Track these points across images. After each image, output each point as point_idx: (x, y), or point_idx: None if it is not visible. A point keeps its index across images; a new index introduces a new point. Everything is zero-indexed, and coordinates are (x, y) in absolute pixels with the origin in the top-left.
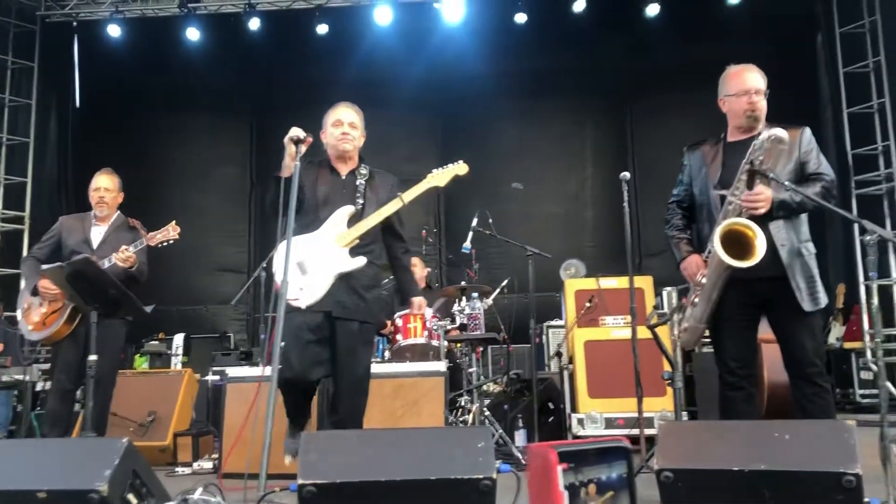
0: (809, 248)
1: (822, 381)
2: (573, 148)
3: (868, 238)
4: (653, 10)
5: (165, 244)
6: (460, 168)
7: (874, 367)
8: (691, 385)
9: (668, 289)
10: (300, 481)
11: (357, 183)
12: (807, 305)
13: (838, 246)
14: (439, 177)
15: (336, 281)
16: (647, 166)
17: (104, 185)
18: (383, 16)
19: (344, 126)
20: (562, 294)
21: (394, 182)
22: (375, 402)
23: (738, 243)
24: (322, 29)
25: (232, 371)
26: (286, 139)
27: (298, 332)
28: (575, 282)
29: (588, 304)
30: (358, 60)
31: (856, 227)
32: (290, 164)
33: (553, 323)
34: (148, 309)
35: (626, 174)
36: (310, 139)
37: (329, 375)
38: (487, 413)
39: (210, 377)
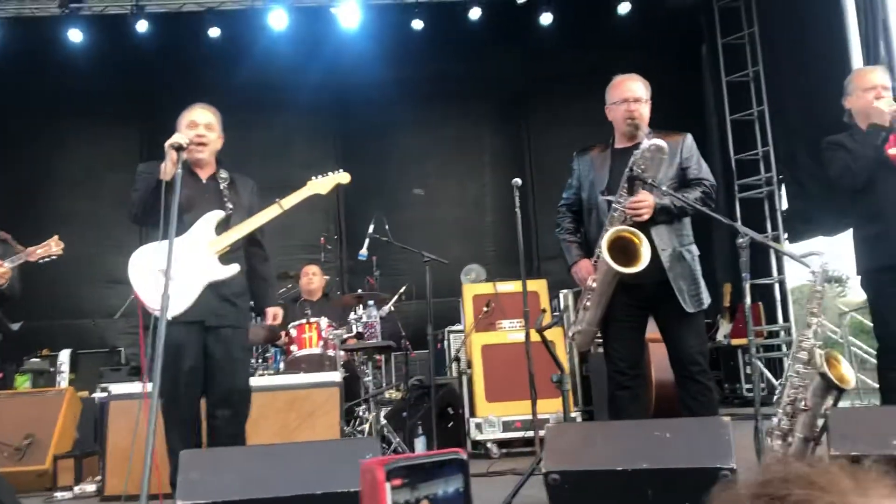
0: (692, 251)
1: (704, 379)
2: (472, 154)
3: (741, 240)
4: (546, 18)
5: (47, 260)
6: (342, 177)
7: (758, 364)
8: (588, 385)
9: (565, 291)
10: (178, 502)
11: (220, 188)
12: (689, 307)
13: (724, 247)
14: (320, 185)
15: (204, 289)
16: (544, 172)
17: None
18: (278, 20)
19: (199, 128)
20: (461, 299)
21: (253, 186)
22: (268, 415)
23: (625, 250)
24: (214, 32)
25: (115, 388)
26: (167, 145)
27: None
28: (473, 286)
29: (485, 309)
30: (252, 65)
31: None
32: (172, 169)
33: (454, 328)
34: (15, 327)
35: (518, 180)
36: (193, 147)
37: (203, 393)
38: (384, 422)
39: (97, 395)
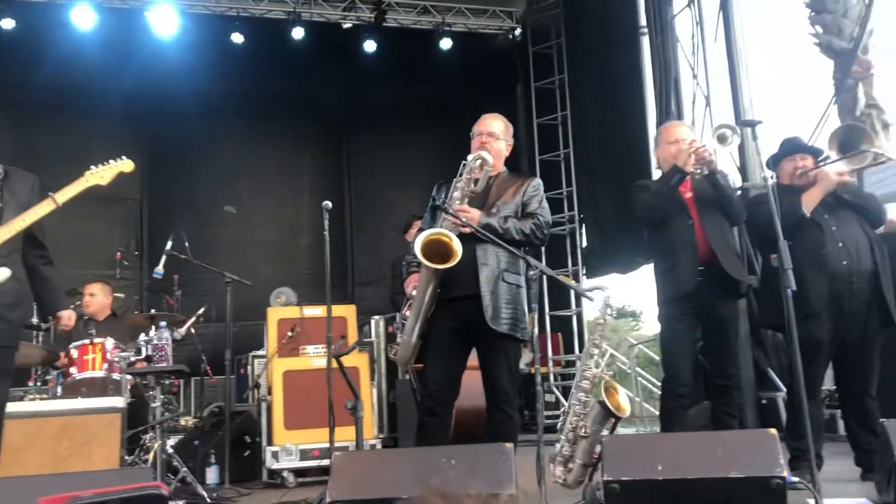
0: (517, 281)
1: (508, 408)
2: (291, 174)
3: (531, 273)
4: (370, 46)
5: None
6: (125, 165)
7: (555, 392)
8: (394, 412)
9: (377, 317)
10: None
11: None
12: (494, 325)
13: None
14: (99, 174)
15: None
16: (362, 198)
17: None
18: (83, 18)
19: None
20: (265, 323)
21: (34, 181)
22: (35, 444)
23: (442, 254)
24: (8, 24)
25: None
26: None
27: None
28: (278, 310)
29: (290, 334)
30: (52, 63)
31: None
32: None
33: (259, 353)
34: None
35: (328, 203)
36: None
37: None
38: (171, 451)
39: None
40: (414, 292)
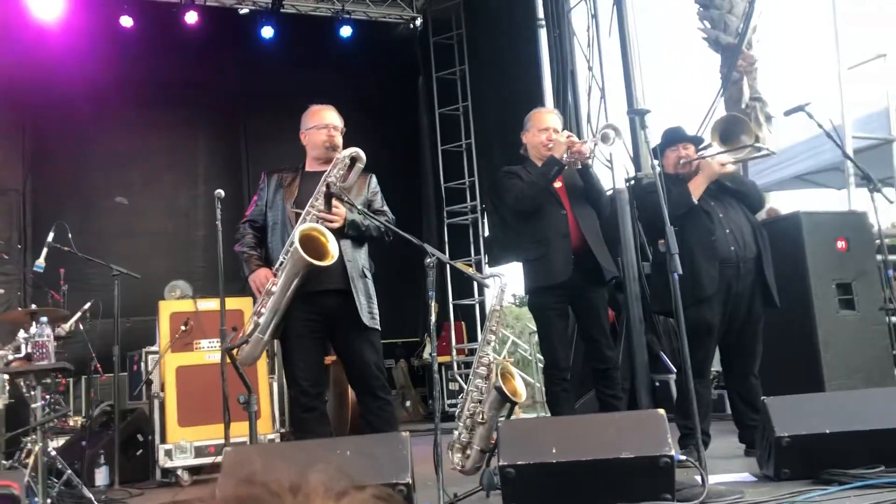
0: (369, 275)
1: (384, 394)
2: (184, 163)
3: (428, 260)
4: (267, 32)
5: None
6: None
7: (458, 380)
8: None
9: None
10: None
11: None
12: (366, 320)
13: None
14: None
15: None
16: None
17: None
18: None
19: None
20: (157, 317)
21: None
22: None
23: (313, 250)
24: None
25: None
26: None
27: None
28: (170, 304)
29: (183, 328)
30: None
31: (447, 249)
32: None
33: (152, 349)
34: None
35: (221, 192)
36: None
37: None
38: (53, 453)
39: None
40: (273, 288)
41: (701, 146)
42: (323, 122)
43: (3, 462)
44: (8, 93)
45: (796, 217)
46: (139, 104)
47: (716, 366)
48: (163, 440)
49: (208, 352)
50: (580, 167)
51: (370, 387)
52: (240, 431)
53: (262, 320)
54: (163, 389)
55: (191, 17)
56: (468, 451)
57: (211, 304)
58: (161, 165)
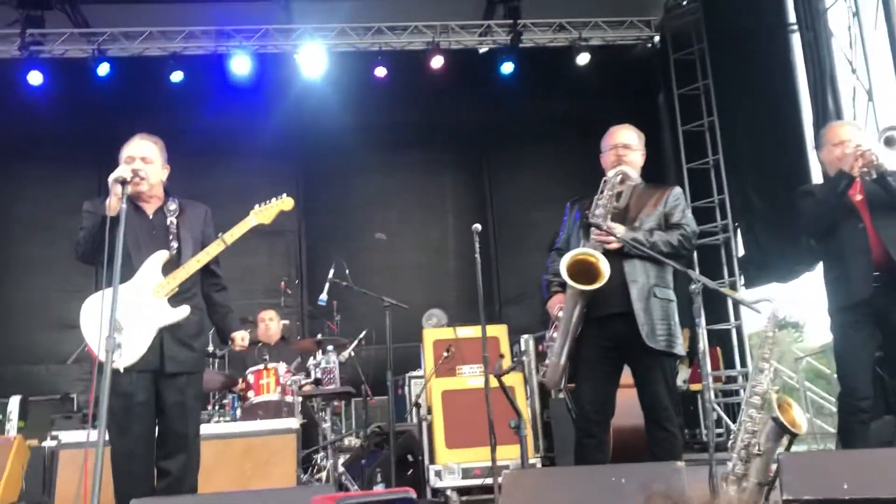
0: (667, 295)
1: (670, 426)
2: (434, 199)
3: (693, 286)
4: (507, 68)
5: None
6: (285, 203)
7: (716, 409)
8: (549, 431)
9: (526, 336)
10: None
11: (168, 222)
12: (653, 343)
13: (682, 293)
14: (263, 213)
15: (158, 335)
16: (504, 217)
17: None
18: (241, 65)
19: (135, 161)
20: (421, 344)
21: (206, 212)
22: (223, 463)
23: (587, 274)
24: (176, 77)
25: (65, 436)
26: (111, 179)
27: (122, 399)
28: (433, 331)
29: (446, 354)
30: (214, 109)
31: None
32: (117, 205)
33: (415, 373)
34: None
35: (478, 226)
36: (137, 180)
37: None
38: (343, 470)
39: (47, 443)
40: (560, 313)
41: None
42: (612, 143)
43: (301, 476)
44: (283, 144)
45: None
46: (390, 147)
47: None
48: (432, 461)
49: (469, 377)
50: (873, 176)
51: (656, 417)
52: (503, 455)
53: (556, 345)
54: (430, 412)
55: (436, 62)
56: (744, 484)
57: (469, 332)
58: (413, 203)
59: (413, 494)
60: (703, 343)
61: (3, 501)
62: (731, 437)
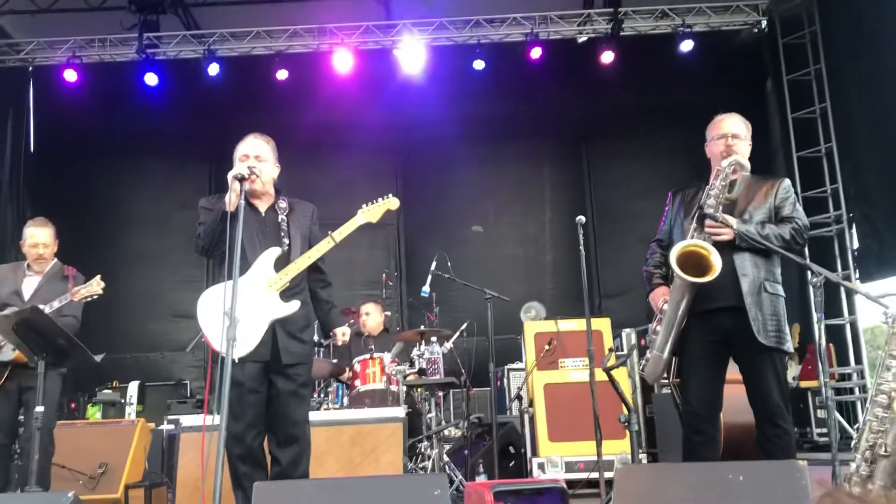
0: (777, 290)
1: (783, 422)
2: (532, 192)
3: (815, 280)
4: (607, 57)
5: (90, 299)
6: (391, 203)
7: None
8: (652, 426)
9: (627, 330)
10: None
11: (279, 220)
12: (765, 339)
13: (793, 286)
14: (370, 212)
15: (270, 328)
16: (604, 209)
17: (42, 241)
18: (343, 62)
19: (250, 160)
20: (521, 337)
21: (313, 211)
22: (333, 449)
23: (697, 266)
24: (282, 75)
25: (186, 420)
26: (230, 176)
27: (235, 388)
28: (534, 324)
29: (547, 347)
30: (317, 105)
31: None
32: (236, 201)
33: (514, 366)
34: (98, 358)
35: (582, 218)
36: (253, 178)
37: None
38: (447, 459)
39: (165, 426)
40: (665, 306)
41: None
42: (720, 133)
43: (408, 464)
44: (383, 139)
45: None
46: (490, 139)
47: None
48: (534, 453)
49: (572, 370)
50: None
51: (768, 413)
52: (607, 450)
53: (658, 339)
54: (531, 405)
55: (535, 53)
56: (869, 486)
57: (571, 325)
58: (511, 195)
59: (563, 485)
60: (822, 339)
61: (128, 480)
62: (855, 437)
